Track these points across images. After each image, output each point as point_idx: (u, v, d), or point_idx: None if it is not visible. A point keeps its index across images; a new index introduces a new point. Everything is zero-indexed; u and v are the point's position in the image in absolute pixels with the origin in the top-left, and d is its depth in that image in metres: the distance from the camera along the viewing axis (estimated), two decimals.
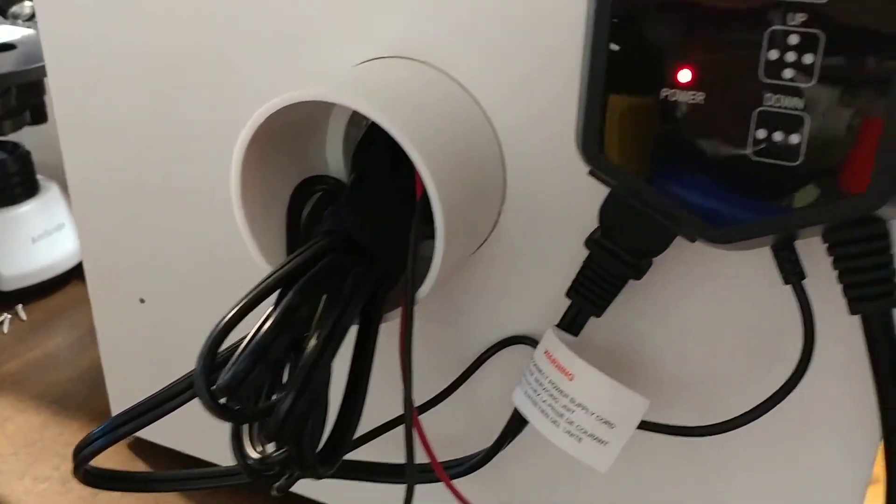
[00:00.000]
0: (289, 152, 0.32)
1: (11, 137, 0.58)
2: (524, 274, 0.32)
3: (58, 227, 0.59)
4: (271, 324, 0.25)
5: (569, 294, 0.30)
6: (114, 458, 0.46)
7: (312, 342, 0.26)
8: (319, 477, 0.27)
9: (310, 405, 0.26)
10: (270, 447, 0.27)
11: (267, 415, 0.26)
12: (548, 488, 0.36)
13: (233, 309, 0.26)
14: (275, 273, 0.27)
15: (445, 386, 0.34)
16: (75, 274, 0.60)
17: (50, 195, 0.59)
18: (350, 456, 0.34)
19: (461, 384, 0.34)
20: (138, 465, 0.46)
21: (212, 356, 0.25)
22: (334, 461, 0.28)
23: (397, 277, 0.30)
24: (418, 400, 0.34)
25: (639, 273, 0.29)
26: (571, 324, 0.30)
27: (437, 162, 0.28)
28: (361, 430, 0.34)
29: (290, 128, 0.31)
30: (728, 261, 0.29)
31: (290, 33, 0.33)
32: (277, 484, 0.28)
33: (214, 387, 0.25)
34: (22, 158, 0.57)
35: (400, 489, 0.30)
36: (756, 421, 0.29)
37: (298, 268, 0.27)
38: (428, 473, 0.33)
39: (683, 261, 0.29)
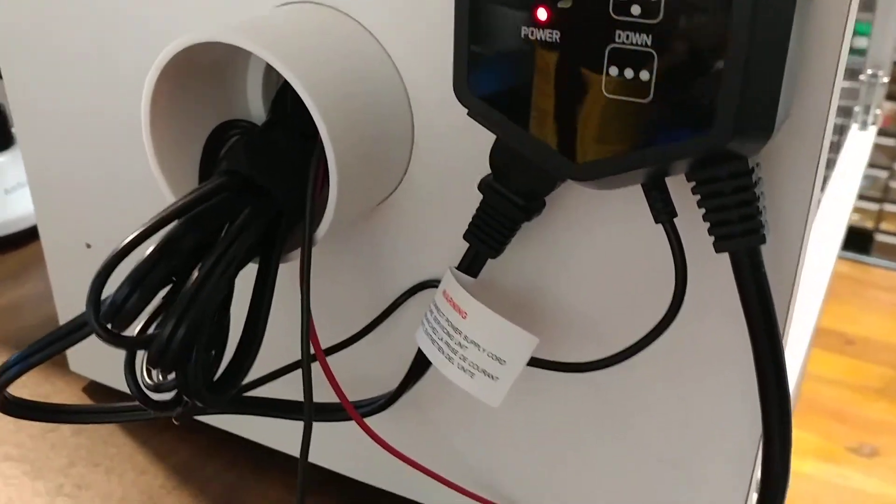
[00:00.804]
0: (207, 95, 0.33)
1: None
2: (435, 220, 0.33)
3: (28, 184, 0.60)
4: (151, 252, 0.26)
5: (466, 237, 0.30)
6: (68, 401, 0.48)
7: (195, 273, 0.26)
8: (208, 405, 0.28)
9: (192, 333, 0.26)
10: (165, 377, 0.28)
11: (151, 342, 0.27)
12: (461, 424, 0.36)
13: (123, 241, 0.27)
14: (168, 208, 0.28)
15: (362, 326, 0.35)
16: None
17: (21, 153, 0.60)
18: (261, 393, 0.35)
19: (375, 327, 0.35)
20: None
21: (98, 290, 0.26)
22: (226, 391, 0.29)
23: (299, 218, 0.30)
24: (333, 340, 0.35)
25: (529, 214, 0.29)
26: (470, 265, 0.31)
27: (330, 101, 0.28)
28: (272, 368, 0.35)
29: (207, 70, 0.32)
30: (618, 203, 0.29)
31: None
32: (175, 412, 0.29)
33: (101, 314, 0.26)
34: None
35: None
36: (648, 358, 0.29)
37: (191, 203, 0.28)
38: (337, 413, 0.34)
39: (575, 204, 0.30)
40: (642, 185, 0.26)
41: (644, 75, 0.22)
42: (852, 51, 0.72)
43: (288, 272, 0.31)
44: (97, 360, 0.47)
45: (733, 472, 0.32)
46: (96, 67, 0.38)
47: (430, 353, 0.31)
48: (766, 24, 0.21)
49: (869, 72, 0.67)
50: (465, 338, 0.30)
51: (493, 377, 0.30)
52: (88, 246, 0.43)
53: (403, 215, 0.34)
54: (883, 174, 1.81)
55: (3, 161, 0.60)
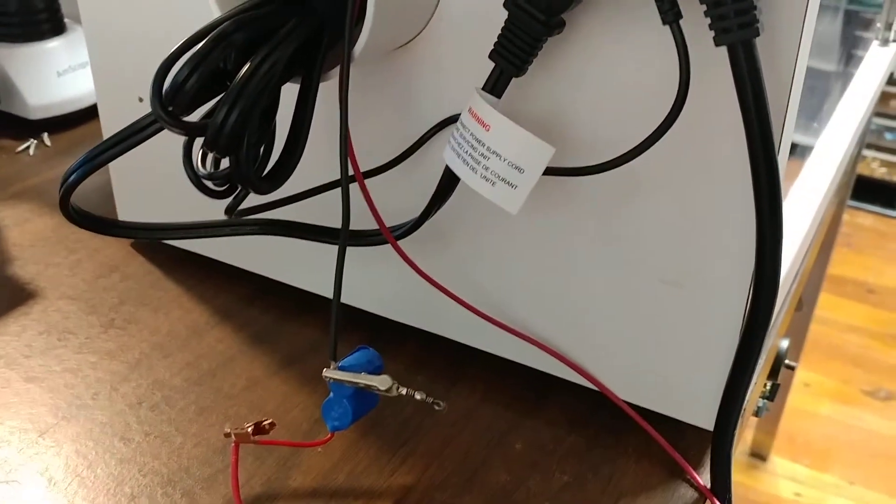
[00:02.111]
0: None
1: None
2: (462, 58, 0.36)
3: (82, 64, 0.63)
4: (206, 40, 0.29)
5: (491, 56, 0.33)
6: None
7: (245, 67, 0.30)
8: (258, 191, 0.31)
9: (243, 119, 0.30)
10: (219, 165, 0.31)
11: (207, 126, 0.30)
12: (478, 252, 0.39)
13: (181, 41, 0.30)
14: (222, 15, 0.31)
15: (396, 155, 0.38)
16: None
17: (75, 35, 0.64)
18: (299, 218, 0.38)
19: (406, 158, 0.38)
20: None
21: (163, 77, 0.29)
22: (274, 183, 0.32)
23: (339, 35, 0.33)
24: (367, 167, 0.38)
25: (550, 29, 0.32)
26: (494, 85, 0.33)
27: None
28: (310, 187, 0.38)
29: None
30: (627, 24, 0.32)
31: None
32: (228, 205, 0.32)
33: (162, 99, 0.29)
34: None
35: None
36: (652, 168, 0.32)
37: (243, 10, 0.31)
38: (371, 238, 0.37)
39: (590, 26, 0.32)
40: None
41: None
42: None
43: (328, 97, 0.34)
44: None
45: (735, 288, 0.34)
46: None
47: (456, 166, 0.34)
48: None
49: None
50: (488, 148, 0.33)
51: (512, 185, 0.33)
52: (141, 100, 0.47)
53: (432, 53, 0.36)
54: None
55: (55, 46, 0.63)
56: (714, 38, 0.28)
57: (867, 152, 1.80)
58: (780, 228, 0.30)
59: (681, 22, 0.29)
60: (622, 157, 0.31)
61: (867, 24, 0.71)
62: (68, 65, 0.63)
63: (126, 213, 0.51)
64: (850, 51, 0.68)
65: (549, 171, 0.33)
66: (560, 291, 0.38)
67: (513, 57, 0.33)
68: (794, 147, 0.37)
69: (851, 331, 1.55)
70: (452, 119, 0.37)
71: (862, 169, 1.76)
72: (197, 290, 0.48)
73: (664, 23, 0.29)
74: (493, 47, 0.33)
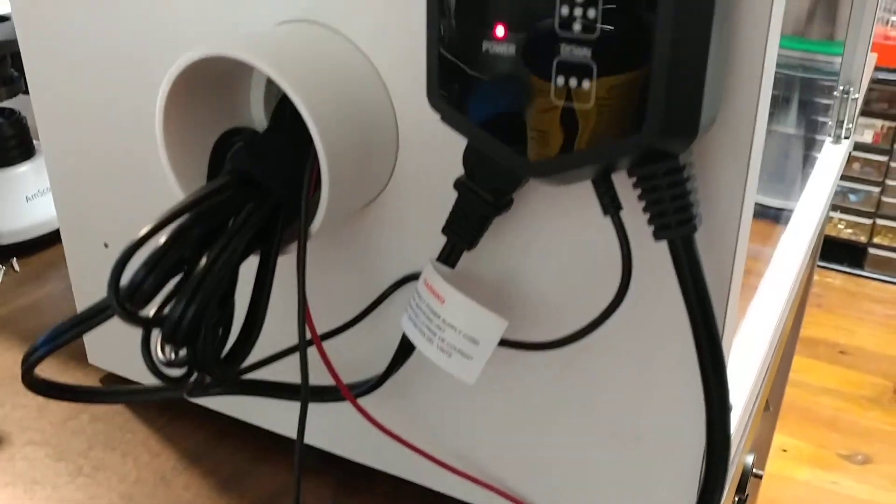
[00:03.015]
0: (214, 105, 0.37)
1: (8, 104, 0.63)
2: (419, 217, 0.37)
3: (50, 188, 0.64)
4: (163, 240, 0.30)
5: (444, 231, 0.34)
6: None
7: (202, 260, 0.30)
8: (216, 377, 0.32)
9: (201, 312, 0.30)
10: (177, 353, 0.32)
11: (165, 320, 0.30)
12: (443, 405, 0.40)
13: (140, 233, 0.31)
14: (179, 203, 0.32)
15: (354, 315, 0.39)
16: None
17: (44, 159, 0.64)
18: (264, 377, 0.39)
19: (365, 316, 0.39)
20: None
21: (118, 275, 0.30)
22: (232, 365, 0.32)
23: (295, 214, 0.34)
24: (328, 328, 0.39)
25: (499, 210, 0.33)
26: (448, 256, 0.34)
27: (323, 112, 0.32)
28: (271, 352, 0.39)
29: (214, 82, 0.36)
30: (574, 198, 0.33)
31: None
32: (188, 384, 0.33)
33: (119, 295, 0.30)
34: (18, 124, 0.62)
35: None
36: (604, 337, 0.33)
37: (200, 199, 0.32)
38: (332, 394, 0.38)
39: (538, 199, 0.34)
40: (592, 181, 0.29)
41: (586, 84, 0.26)
42: (825, 73, 0.75)
43: (286, 266, 0.35)
44: (113, 353, 0.51)
45: (688, 443, 0.35)
46: (117, 75, 0.42)
47: (413, 335, 0.35)
48: (686, 41, 0.25)
49: (841, 88, 0.71)
50: (444, 321, 0.34)
51: (468, 356, 0.34)
52: (106, 245, 0.47)
53: (391, 213, 0.37)
54: (875, 189, 1.84)
55: (25, 170, 0.64)
56: (653, 232, 0.29)
57: (833, 213, 1.84)
58: (727, 404, 0.31)
59: (622, 212, 0.30)
60: (571, 337, 0.32)
61: (819, 127, 0.74)
62: (37, 189, 0.64)
63: (95, 348, 0.52)
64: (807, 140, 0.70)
65: (504, 343, 0.34)
66: (523, 442, 0.39)
67: (464, 232, 0.34)
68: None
69: (825, 393, 1.56)
70: (412, 276, 0.38)
71: (828, 230, 1.79)
72: (166, 431, 0.49)
73: (605, 214, 0.30)
74: (445, 223, 0.34)
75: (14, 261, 0.63)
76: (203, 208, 0.31)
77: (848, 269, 1.85)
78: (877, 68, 1.36)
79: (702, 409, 0.33)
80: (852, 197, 1.79)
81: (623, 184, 0.30)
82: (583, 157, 0.27)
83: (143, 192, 0.44)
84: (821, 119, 0.75)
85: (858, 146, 1.70)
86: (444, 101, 0.29)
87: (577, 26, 0.26)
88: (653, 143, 0.26)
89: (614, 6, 0.25)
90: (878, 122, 1.74)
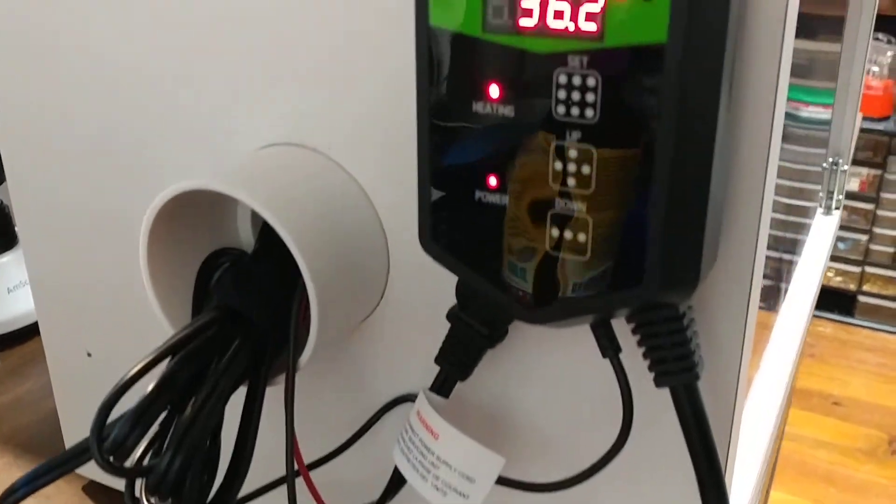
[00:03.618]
0: (200, 227, 0.36)
1: None
2: (410, 340, 0.36)
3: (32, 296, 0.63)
4: (150, 391, 0.29)
5: (437, 361, 0.33)
6: (69, 501, 0.50)
7: (188, 410, 0.29)
8: None
9: (188, 461, 0.29)
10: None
11: (150, 471, 0.29)
12: None
13: (124, 378, 0.30)
14: (165, 344, 0.31)
15: (345, 439, 0.38)
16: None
17: (26, 271, 0.63)
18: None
19: (357, 440, 0.38)
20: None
21: (101, 424, 0.29)
22: None
23: (283, 346, 0.33)
24: (317, 452, 0.38)
25: (492, 342, 0.32)
26: (442, 386, 0.33)
27: (311, 243, 0.31)
28: (258, 484, 0.38)
29: (200, 205, 0.35)
30: (573, 330, 0.32)
31: (204, 120, 0.37)
32: None
33: (103, 448, 0.28)
34: None
35: None
36: (605, 471, 0.32)
37: (186, 339, 0.31)
38: None
39: (535, 331, 0.33)
40: (590, 325, 0.28)
41: (581, 237, 0.25)
42: (805, 120, 0.75)
43: (274, 392, 0.34)
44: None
45: None
46: (103, 180, 0.41)
47: (406, 470, 0.33)
48: (685, 190, 0.24)
49: (830, 160, 0.71)
50: (438, 458, 0.32)
51: (464, 495, 0.32)
52: (89, 355, 0.46)
53: (381, 335, 0.36)
54: (863, 237, 1.85)
55: (6, 261, 0.62)
56: (654, 379, 0.28)
57: None
58: None
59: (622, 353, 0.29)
60: (571, 480, 0.31)
61: (811, 196, 0.73)
62: (19, 280, 0.62)
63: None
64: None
65: (501, 482, 0.33)
66: None
67: (458, 363, 0.33)
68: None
69: (820, 446, 1.55)
70: (403, 399, 0.37)
71: None
72: None
73: (603, 356, 0.29)
74: (438, 352, 0.33)
75: None
76: (189, 350, 0.30)
77: (838, 318, 1.85)
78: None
79: None
80: (840, 245, 1.79)
81: (622, 323, 0.29)
82: (579, 308, 0.26)
83: (128, 302, 0.43)
84: (809, 180, 0.75)
85: (846, 194, 1.71)
86: (437, 244, 0.28)
87: (571, 180, 0.25)
88: (652, 298, 0.25)
89: (608, 166, 0.24)
90: (864, 171, 1.75)
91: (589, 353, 0.32)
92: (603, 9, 0.23)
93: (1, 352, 0.62)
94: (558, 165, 0.25)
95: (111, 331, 0.45)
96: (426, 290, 0.34)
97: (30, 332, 0.64)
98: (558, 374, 0.33)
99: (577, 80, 0.24)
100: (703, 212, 0.25)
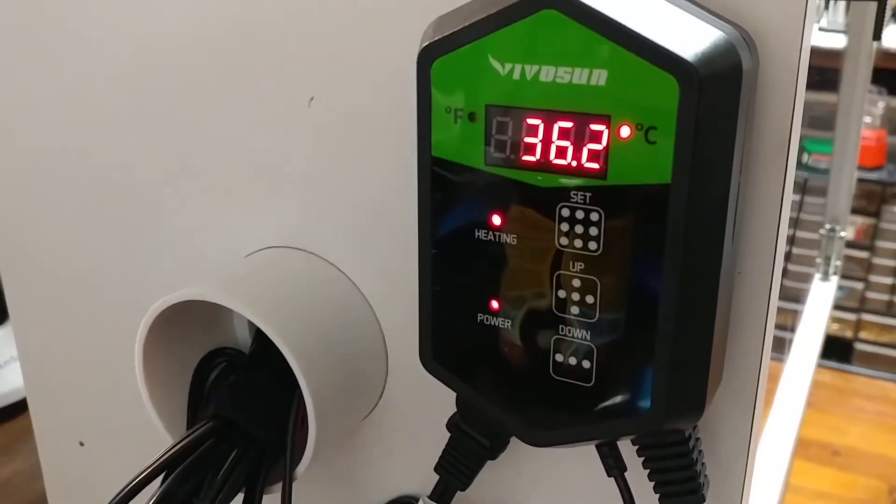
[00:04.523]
0: (195, 327, 0.35)
1: None
2: (409, 441, 0.35)
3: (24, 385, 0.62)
4: None
5: (437, 469, 0.32)
6: None
7: None
8: None
9: None
10: None
11: None
12: None
13: (118, 495, 0.29)
14: (157, 460, 0.30)
15: None
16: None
17: (18, 359, 0.63)
18: None
19: None
20: None
21: None
22: None
23: (281, 452, 0.33)
24: None
25: (493, 453, 0.31)
26: (441, 496, 0.33)
27: (309, 353, 0.31)
28: None
29: (194, 306, 0.35)
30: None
31: (200, 218, 0.36)
32: None
33: None
34: None
35: None
36: None
37: (182, 453, 0.30)
38: None
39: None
40: (595, 446, 0.28)
41: (586, 364, 0.25)
42: (824, 171, 0.75)
43: (271, 498, 0.33)
44: None
45: None
46: (93, 269, 0.41)
47: None
48: (690, 322, 0.24)
49: (827, 226, 0.71)
50: None
51: None
52: (82, 444, 0.45)
53: (378, 436, 0.36)
54: (859, 285, 1.85)
55: None
56: (659, 501, 0.27)
57: None
58: None
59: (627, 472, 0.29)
60: None
61: (808, 261, 0.73)
62: (10, 355, 0.62)
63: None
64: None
65: None
66: None
67: (458, 473, 0.32)
68: None
69: (821, 498, 1.53)
70: (401, 500, 0.36)
71: None
72: None
73: (608, 475, 0.28)
74: (438, 460, 0.32)
75: None
76: (185, 466, 0.30)
77: (836, 365, 1.84)
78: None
79: None
80: (837, 292, 1.79)
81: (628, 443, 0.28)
82: (582, 434, 0.26)
83: (122, 392, 0.42)
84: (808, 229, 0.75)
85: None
86: (438, 363, 0.28)
87: (574, 309, 0.25)
88: (659, 426, 0.24)
89: (613, 296, 0.24)
90: (859, 219, 1.76)
91: (594, 466, 0.31)
92: (606, 148, 0.22)
93: None
94: (561, 293, 0.25)
95: (105, 420, 0.44)
96: (426, 395, 0.34)
97: (20, 408, 0.63)
98: (561, 487, 0.32)
99: (580, 215, 0.23)
100: (708, 341, 0.24)
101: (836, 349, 1.84)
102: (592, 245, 0.24)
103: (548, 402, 0.26)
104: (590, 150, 0.23)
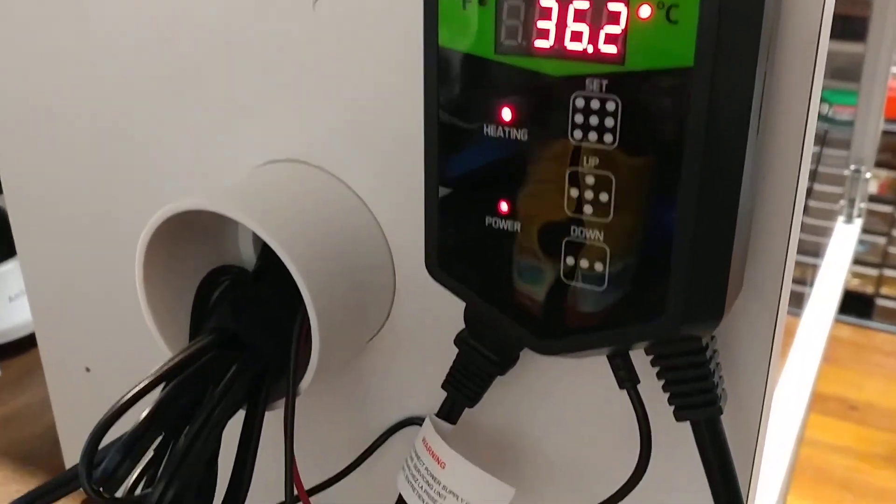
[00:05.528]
0: (199, 244, 0.35)
1: None
2: (417, 361, 0.34)
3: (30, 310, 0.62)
4: (142, 419, 0.27)
5: (444, 386, 0.32)
6: None
7: (182, 438, 0.28)
8: None
9: (181, 493, 0.28)
10: None
11: (142, 502, 0.28)
12: None
13: (113, 407, 0.28)
14: (159, 370, 0.29)
15: (347, 463, 0.36)
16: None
17: (24, 282, 0.62)
18: None
19: (360, 464, 0.36)
20: None
21: (91, 452, 0.27)
22: None
23: (283, 371, 0.32)
24: (319, 477, 0.36)
25: (503, 369, 0.30)
26: (448, 413, 0.32)
27: (313, 266, 0.30)
28: None
29: (199, 222, 0.34)
30: (589, 365, 0.30)
31: (203, 133, 0.35)
32: None
33: (93, 477, 0.27)
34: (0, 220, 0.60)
35: None
36: None
37: (181, 364, 0.30)
38: None
39: (551, 358, 0.31)
40: (606, 355, 0.27)
41: (598, 267, 0.24)
42: (845, 123, 0.73)
43: (274, 413, 0.32)
44: None
45: None
46: (102, 195, 0.40)
47: (411, 499, 0.32)
48: (710, 219, 0.23)
49: (852, 167, 0.69)
50: (444, 487, 0.31)
51: None
52: (88, 370, 0.45)
53: (386, 357, 0.35)
54: (881, 240, 1.82)
55: (7, 269, 0.61)
56: (674, 412, 0.26)
57: None
58: None
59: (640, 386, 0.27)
60: None
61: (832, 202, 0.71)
62: (20, 288, 0.61)
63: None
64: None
65: None
66: None
67: (466, 389, 0.31)
68: None
69: (837, 452, 1.52)
70: (407, 422, 0.36)
71: None
72: None
73: (620, 388, 0.27)
74: (445, 377, 0.31)
75: None
76: (184, 377, 0.29)
77: (856, 321, 1.82)
78: None
79: None
80: (859, 247, 1.76)
81: (641, 353, 0.27)
82: (594, 341, 0.25)
83: (128, 317, 0.42)
84: (831, 182, 0.73)
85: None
86: (444, 271, 0.27)
87: (588, 209, 0.23)
88: (675, 331, 0.23)
89: (628, 193, 0.23)
90: (883, 173, 1.72)
91: (605, 380, 0.30)
92: (624, 30, 0.21)
93: (2, 361, 0.61)
94: (574, 192, 0.23)
95: (110, 346, 0.43)
96: (434, 310, 0.33)
97: (31, 341, 0.62)
98: (571, 402, 0.31)
99: (595, 105, 0.22)
100: (729, 241, 0.23)
101: (856, 305, 1.82)
102: (608, 138, 0.22)
103: (558, 309, 0.25)
104: (607, 34, 0.21)
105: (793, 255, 0.27)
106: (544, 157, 0.24)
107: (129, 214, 0.39)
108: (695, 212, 0.22)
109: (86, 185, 0.40)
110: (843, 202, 0.71)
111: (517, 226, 0.25)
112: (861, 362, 1.74)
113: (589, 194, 0.23)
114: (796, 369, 0.56)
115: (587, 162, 0.23)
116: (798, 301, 0.63)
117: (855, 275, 1.82)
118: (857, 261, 1.79)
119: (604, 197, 0.23)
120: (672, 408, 0.27)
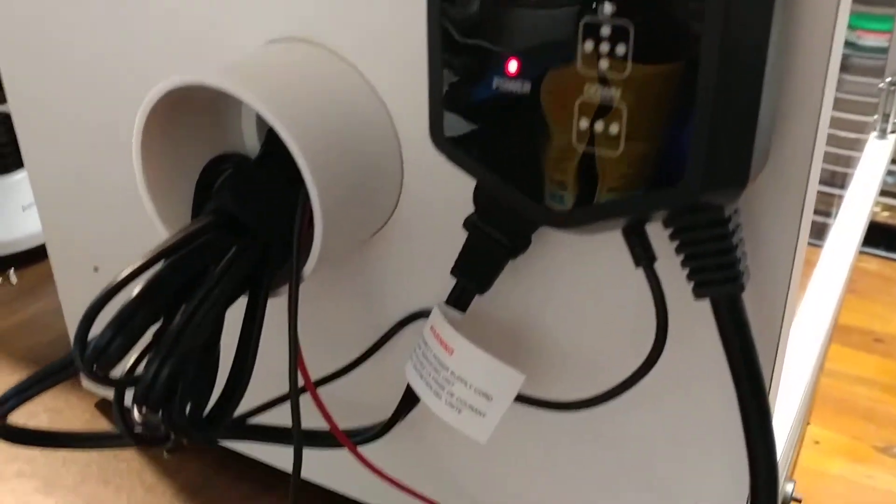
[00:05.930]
0: (201, 129, 0.33)
1: (3, 108, 0.60)
2: (426, 251, 0.33)
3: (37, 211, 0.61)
4: (133, 296, 0.26)
5: (453, 272, 0.30)
6: (80, 417, 0.49)
7: (178, 316, 0.27)
8: (194, 441, 0.28)
9: (176, 373, 0.27)
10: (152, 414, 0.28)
11: (138, 381, 0.27)
12: (454, 449, 0.37)
13: (111, 283, 0.27)
14: (155, 249, 0.28)
15: (356, 356, 0.35)
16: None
17: (29, 183, 0.61)
18: (258, 419, 0.36)
19: (369, 356, 0.35)
20: (103, 423, 0.48)
21: (86, 330, 0.27)
22: (213, 427, 0.29)
23: (285, 256, 0.31)
24: (327, 369, 0.35)
25: (514, 252, 0.29)
26: (458, 300, 0.31)
27: (316, 147, 0.28)
28: (267, 396, 0.36)
29: (200, 105, 0.32)
30: (601, 239, 0.29)
31: (205, 11, 0.34)
32: (166, 446, 0.30)
33: (85, 356, 0.26)
34: (13, 129, 0.59)
35: None
36: (635, 396, 0.29)
37: (178, 244, 0.28)
38: (331, 440, 0.34)
39: (559, 240, 0.30)
40: (622, 230, 0.25)
41: (613, 129, 0.22)
42: (869, 49, 0.70)
43: (280, 304, 0.31)
44: None
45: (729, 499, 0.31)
46: (100, 94, 0.39)
47: (419, 387, 0.31)
48: (736, 77, 0.21)
49: (889, 79, 0.66)
50: (452, 374, 0.30)
51: (480, 413, 0.30)
52: (96, 269, 0.44)
53: (394, 247, 0.34)
54: None
55: (21, 178, 0.61)
56: (692, 290, 0.25)
57: None
58: (775, 472, 0.27)
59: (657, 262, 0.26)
60: (595, 399, 0.29)
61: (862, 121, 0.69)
62: (31, 200, 0.60)
63: None
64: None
65: (521, 399, 0.30)
66: (543, 495, 0.35)
67: (476, 275, 0.30)
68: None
69: (860, 383, 1.51)
70: (418, 314, 0.34)
71: None
72: (161, 459, 0.46)
73: (637, 266, 0.26)
74: (454, 264, 0.30)
75: (11, 272, 0.60)
76: (181, 255, 0.28)
77: (884, 254, 1.79)
78: None
79: (743, 469, 0.30)
80: (889, 179, 1.72)
81: (658, 227, 0.26)
82: (608, 210, 0.23)
83: (134, 215, 0.41)
84: (863, 112, 0.70)
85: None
86: (450, 141, 0.25)
87: (603, 63, 0.22)
88: (694, 199, 0.22)
89: (649, 39, 0.21)
90: None
91: (619, 262, 0.29)
92: None
93: (17, 270, 0.61)
94: (588, 46, 0.22)
95: (118, 244, 0.42)
96: (443, 196, 0.32)
97: (45, 251, 0.62)
98: (585, 286, 0.30)
99: None
100: (756, 98, 0.21)
101: (885, 237, 1.78)
102: None
103: (569, 178, 0.23)
104: None
105: (825, 127, 0.25)
106: (556, 6, 0.22)
107: (130, 107, 0.38)
108: (718, 64, 0.20)
109: (85, 80, 0.38)
110: (875, 117, 0.69)
111: (527, 87, 0.23)
112: (888, 294, 1.71)
113: (604, 47, 0.21)
114: (820, 290, 0.55)
115: (602, 10, 0.21)
116: (822, 230, 0.61)
117: (884, 207, 1.78)
118: (888, 192, 1.75)
119: (620, 49, 0.21)
120: (691, 285, 0.25)
